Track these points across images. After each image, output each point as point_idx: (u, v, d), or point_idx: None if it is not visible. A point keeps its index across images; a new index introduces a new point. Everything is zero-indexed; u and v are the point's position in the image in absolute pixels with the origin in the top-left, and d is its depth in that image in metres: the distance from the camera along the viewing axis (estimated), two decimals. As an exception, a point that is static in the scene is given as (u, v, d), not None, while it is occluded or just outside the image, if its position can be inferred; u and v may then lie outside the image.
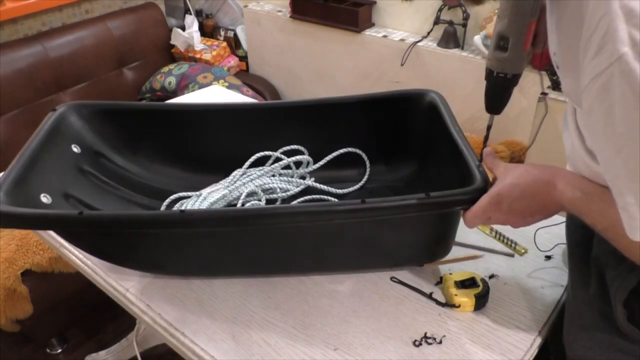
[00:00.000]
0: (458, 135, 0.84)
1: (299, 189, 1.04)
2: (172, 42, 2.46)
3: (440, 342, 0.77)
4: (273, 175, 1.06)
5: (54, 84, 2.06)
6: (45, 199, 0.85)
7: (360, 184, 1.05)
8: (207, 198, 1.00)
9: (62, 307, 1.69)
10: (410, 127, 1.01)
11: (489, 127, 0.85)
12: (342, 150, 1.06)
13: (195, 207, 0.97)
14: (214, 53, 2.45)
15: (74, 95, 2.12)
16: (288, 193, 1.04)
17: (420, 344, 0.77)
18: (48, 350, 1.77)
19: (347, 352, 0.76)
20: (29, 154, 0.87)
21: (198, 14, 2.60)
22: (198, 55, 2.44)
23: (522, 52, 0.74)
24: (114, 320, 1.85)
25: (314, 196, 1.03)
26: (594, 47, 0.50)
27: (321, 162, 1.07)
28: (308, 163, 1.07)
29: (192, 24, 2.46)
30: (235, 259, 0.87)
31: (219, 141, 1.07)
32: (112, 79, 2.28)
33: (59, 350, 1.78)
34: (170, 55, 2.51)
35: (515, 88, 0.79)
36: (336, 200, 1.02)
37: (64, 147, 0.96)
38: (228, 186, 1.03)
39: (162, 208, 1.00)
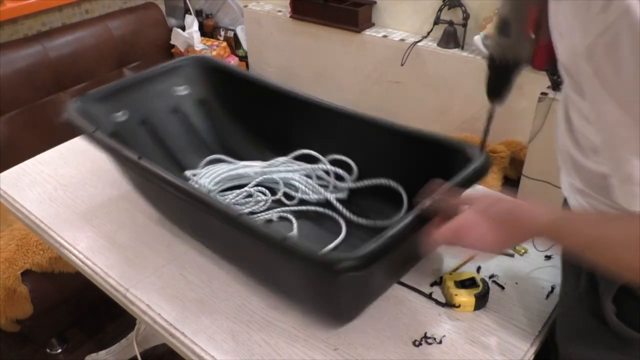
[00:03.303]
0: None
1: (317, 196, 1.04)
2: (172, 42, 2.46)
3: (440, 342, 0.77)
4: (307, 176, 1.06)
5: (54, 84, 2.06)
6: (122, 115, 1.03)
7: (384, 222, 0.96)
8: (238, 169, 1.09)
9: (62, 307, 1.69)
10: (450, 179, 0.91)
11: (489, 118, 0.82)
12: (382, 180, 0.98)
13: (224, 171, 1.07)
14: (214, 53, 2.45)
15: (74, 95, 2.11)
16: (304, 197, 1.04)
17: (420, 344, 0.77)
18: (48, 350, 1.77)
19: (347, 352, 0.77)
20: (134, 78, 1.06)
21: (198, 14, 2.60)
22: (198, 55, 2.44)
23: (523, 38, 0.73)
24: (114, 320, 1.85)
25: (326, 211, 1.02)
26: (599, 2, 0.48)
27: (358, 184, 1.02)
28: (347, 179, 1.04)
29: (192, 24, 2.46)
30: (180, 214, 0.96)
31: (293, 129, 1.12)
32: (112, 79, 2.24)
33: (59, 350, 1.78)
34: (170, 55, 2.50)
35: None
36: (343, 223, 0.98)
37: (171, 87, 1.12)
38: (264, 167, 1.08)
39: (203, 162, 1.12)
